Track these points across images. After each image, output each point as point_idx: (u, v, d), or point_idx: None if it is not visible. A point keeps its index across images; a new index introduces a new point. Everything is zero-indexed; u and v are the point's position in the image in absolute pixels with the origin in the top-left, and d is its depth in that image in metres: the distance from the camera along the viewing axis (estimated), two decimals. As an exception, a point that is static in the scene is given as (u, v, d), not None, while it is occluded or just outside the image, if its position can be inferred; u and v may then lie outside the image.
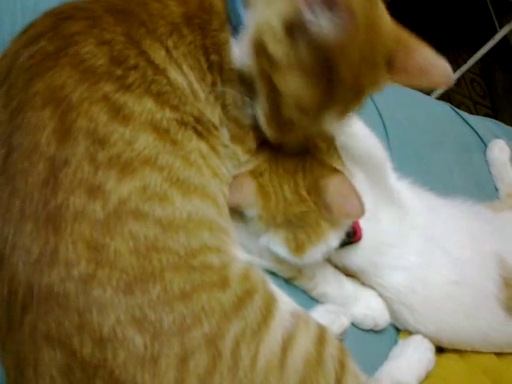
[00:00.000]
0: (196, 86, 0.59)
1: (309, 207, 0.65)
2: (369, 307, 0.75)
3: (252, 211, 0.66)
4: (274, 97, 0.56)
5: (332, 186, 0.63)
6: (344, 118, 0.60)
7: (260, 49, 0.54)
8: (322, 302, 0.74)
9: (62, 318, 0.44)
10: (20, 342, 0.45)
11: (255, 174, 0.66)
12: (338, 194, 0.62)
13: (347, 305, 0.74)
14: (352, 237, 0.71)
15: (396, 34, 0.57)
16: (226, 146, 0.64)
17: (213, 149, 0.61)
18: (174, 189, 0.53)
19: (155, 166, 0.52)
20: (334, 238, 0.66)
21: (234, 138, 0.65)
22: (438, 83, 0.60)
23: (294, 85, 0.54)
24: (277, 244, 0.67)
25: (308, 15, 0.48)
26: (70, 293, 0.45)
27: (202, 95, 0.59)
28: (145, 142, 0.52)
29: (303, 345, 0.54)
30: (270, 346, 0.51)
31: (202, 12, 0.59)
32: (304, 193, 0.65)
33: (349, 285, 0.75)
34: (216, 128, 0.62)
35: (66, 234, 0.46)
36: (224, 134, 0.64)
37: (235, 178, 0.65)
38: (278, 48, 0.53)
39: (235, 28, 0.59)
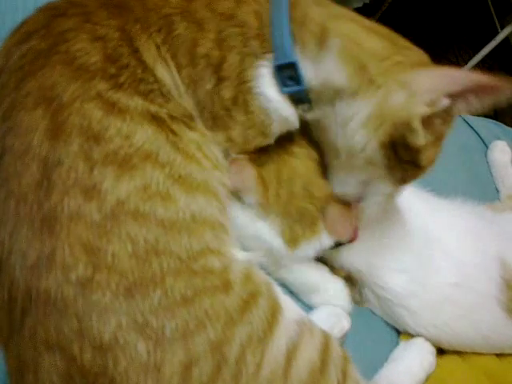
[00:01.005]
0: (177, 78, 0.57)
1: (313, 205, 0.66)
2: (330, 298, 0.74)
3: (250, 197, 0.66)
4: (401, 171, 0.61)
5: (334, 203, 0.66)
6: None
7: (394, 145, 0.57)
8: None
9: (61, 323, 0.44)
10: (21, 346, 0.45)
11: (254, 163, 0.66)
12: (336, 212, 0.66)
13: (308, 294, 0.73)
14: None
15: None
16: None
17: (203, 135, 0.59)
18: (176, 186, 0.51)
19: (157, 163, 0.50)
20: (327, 238, 0.67)
21: (215, 126, 0.61)
22: None
23: (435, 154, 0.61)
24: (271, 233, 0.67)
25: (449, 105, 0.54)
26: (68, 297, 0.44)
27: (182, 88, 0.57)
28: (144, 135, 0.50)
29: (307, 354, 0.53)
30: (274, 355, 0.50)
31: (211, 12, 0.56)
32: (316, 192, 0.66)
33: (313, 274, 0.75)
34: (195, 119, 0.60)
35: (62, 237, 0.45)
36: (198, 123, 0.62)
37: (234, 161, 0.64)
38: (419, 139, 0.55)
39: (279, 68, 0.57)
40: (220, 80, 0.58)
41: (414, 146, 0.56)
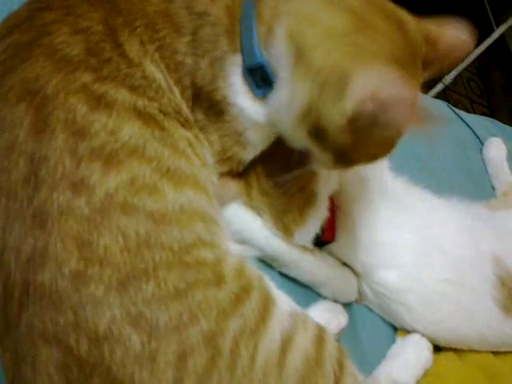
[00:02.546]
0: (170, 81, 0.57)
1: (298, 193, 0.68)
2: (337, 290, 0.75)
3: (239, 201, 0.68)
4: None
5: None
6: None
7: (320, 134, 0.54)
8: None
9: (57, 316, 0.44)
10: (18, 340, 0.45)
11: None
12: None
13: (317, 287, 0.74)
14: (321, 237, 0.73)
15: (423, 33, 0.58)
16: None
17: (196, 137, 0.59)
18: (164, 180, 0.51)
19: (143, 157, 0.50)
20: (297, 236, 0.69)
21: (201, 128, 0.62)
22: (467, 53, 0.63)
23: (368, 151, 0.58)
24: (267, 230, 0.69)
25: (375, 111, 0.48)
26: (62, 291, 0.44)
27: (175, 90, 0.57)
28: (130, 130, 0.50)
29: (302, 345, 0.53)
30: (268, 346, 0.50)
31: (188, 13, 0.56)
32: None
33: (320, 268, 0.75)
34: (191, 121, 0.60)
35: (53, 232, 0.45)
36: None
37: (218, 180, 0.65)
38: (341, 136, 0.53)
39: (250, 70, 0.57)
40: (196, 88, 0.58)
41: (334, 141, 0.53)
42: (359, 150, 0.56)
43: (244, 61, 0.57)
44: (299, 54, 0.53)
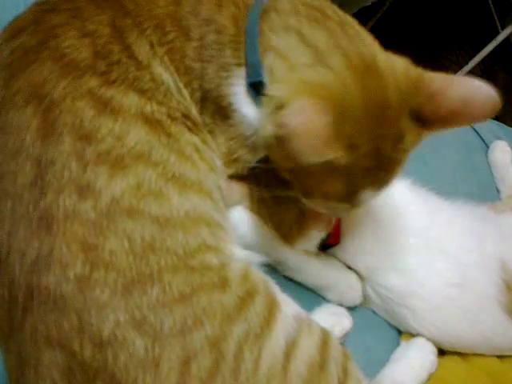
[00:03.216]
0: (180, 83, 0.57)
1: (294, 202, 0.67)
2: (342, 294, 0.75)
3: (244, 205, 0.69)
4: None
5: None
6: (383, 190, 0.58)
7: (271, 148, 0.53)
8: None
9: (62, 320, 0.44)
10: (21, 343, 0.45)
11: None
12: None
13: (322, 292, 0.74)
14: (326, 240, 0.73)
15: (413, 82, 0.54)
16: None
17: (204, 142, 0.60)
18: (170, 185, 0.51)
19: (149, 163, 0.51)
20: (299, 246, 0.69)
21: (209, 131, 0.63)
22: (481, 116, 0.55)
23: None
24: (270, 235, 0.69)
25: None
26: (67, 295, 0.44)
27: (185, 92, 0.58)
28: (136, 136, 0.51)
29: (307, 350, 0.53)
30: (272, 351, 0.50)
31: (195, 18, 0.57)
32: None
33: (324, 272, 0.75)
34: (200, 124, 0.61)
35: (59, 236, 0.45)
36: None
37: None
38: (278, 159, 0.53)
39: (253, 86, 0.57)
40: (204, 92, 0.59)
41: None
42: (301, 179, 0.56)
43: (248, 76, 0.58)
44: (270, 83, 0.55)
